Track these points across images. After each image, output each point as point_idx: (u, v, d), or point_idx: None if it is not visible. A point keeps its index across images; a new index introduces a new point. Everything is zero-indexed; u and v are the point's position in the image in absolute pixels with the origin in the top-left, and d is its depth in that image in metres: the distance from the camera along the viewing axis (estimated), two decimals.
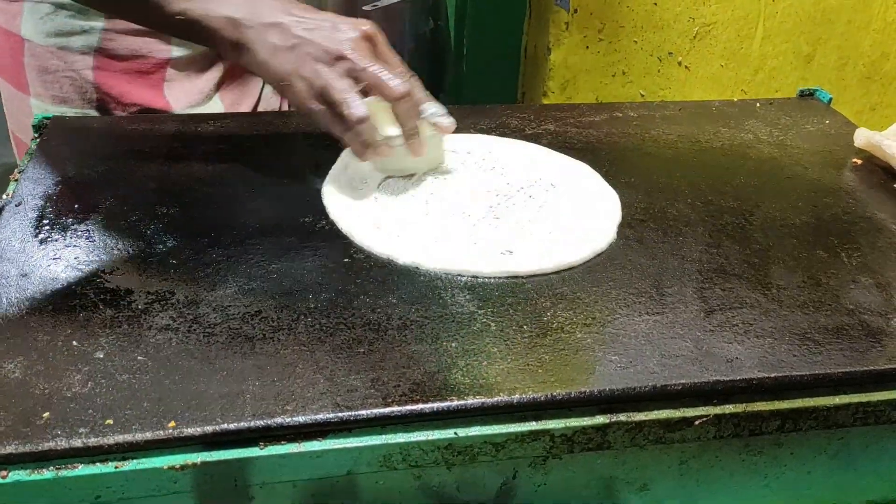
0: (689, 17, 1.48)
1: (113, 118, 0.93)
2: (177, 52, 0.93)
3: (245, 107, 1.02)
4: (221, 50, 0.75)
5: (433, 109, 0.77)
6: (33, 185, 0.77)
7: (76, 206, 0.74)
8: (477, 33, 1.58)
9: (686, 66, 1.53)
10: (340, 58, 0.71)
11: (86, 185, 0.78)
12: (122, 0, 0.80)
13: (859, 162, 0.93)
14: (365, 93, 0.73)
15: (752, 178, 0.88)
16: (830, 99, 1.08)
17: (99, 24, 0.90)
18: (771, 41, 1.54)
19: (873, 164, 0.92)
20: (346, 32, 0.72)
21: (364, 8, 1.45)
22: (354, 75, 0.72)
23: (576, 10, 1.41)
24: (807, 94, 1.10)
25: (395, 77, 0.72)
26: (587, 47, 1.45)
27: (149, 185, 0.79)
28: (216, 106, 0.99)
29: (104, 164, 0.81)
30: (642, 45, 1.48)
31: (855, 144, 0.95)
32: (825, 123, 1.02)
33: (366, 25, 0.74)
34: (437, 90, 1.72)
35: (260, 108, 1.04)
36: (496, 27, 1.56)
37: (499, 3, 1.53)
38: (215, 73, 0.97)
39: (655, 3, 1.45)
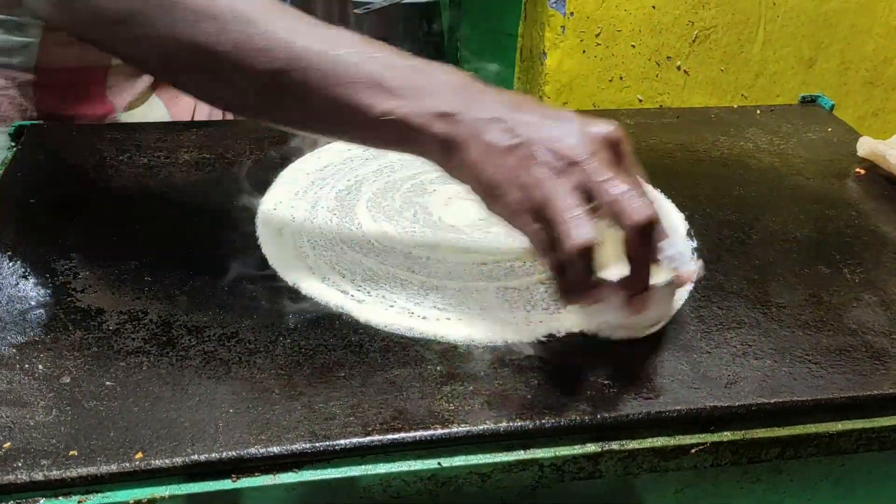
0: (689, 21, 1.45)
1: (93, 126, 0.90)
2: (117, 59, 0.91)
3: (184, 104, 1.00)
4: (427, 151, 0.59)
5: (675, 250, 0.57)
6: (4, 197, 0.74)
7: (49, 219, 0.72)
8: (471, 37, 1.56)
9: (685, 71, 1.50)
10: (573, 164, 0.54)
11: (60, 197, 0.75)
12: (314, 109, 0.60)
13: (862, 172, 0.90)
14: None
15: (751, 189, 0.86)
16: (832, 106, 1.06)
17: (37, 38, 0.86)
18: (772, 45, 1.51)
19: (877, 175, 0.89)
20: (584, 133, 0.55)
21: (355, 11, 1.42)
22: (588, 189, 0.54)
23: (572, 14, 1.38)
24: (808, 101, 1.07)
25: (641, 199, 0.54)
26: (583, 51, 1.42)
27: (126, 196, 0.76)
28: (157, 106, 0.97)
29: (81, 174, 0.79)
30: (640, 49, 1.46)
31: (858, 154, 0.92)
32: (827, 131, 0.99)
33: (611, 127, 0.57)
34: None
35: (198, 108, 1.02)
36: (490, 30, 1.54)
37: (493, 5, 1.51)
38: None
39: (654, 7, 1.42)
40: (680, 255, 0.57)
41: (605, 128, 0.56)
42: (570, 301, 0.57)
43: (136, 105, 0.97)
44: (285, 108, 0.61)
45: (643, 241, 0.54)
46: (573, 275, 0.54)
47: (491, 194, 0.57)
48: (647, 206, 0.54)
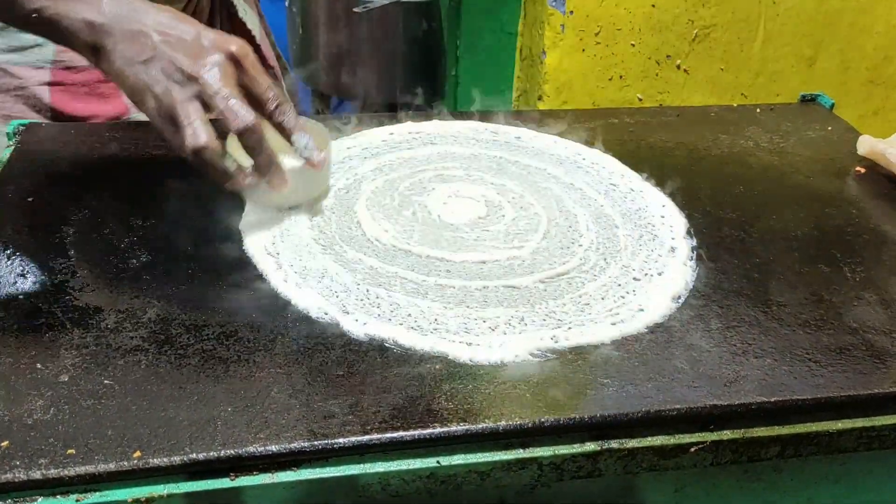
0: (689, 20, 1.45)
1: (91, 125, 0.90)
2: None
3: None
4: (77, 52, 0.69)
5: (302, 142, 0.69)
6: (3, 195, 0.74)
7: (47, 217, 0.72)
8: (471, 35, 1.55)
9: (685, 70, 1.50)
10: (192, 78, 0.64)
11: (59, 196, 0.75)
12: None
13: (862, 170, 0.90)
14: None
15: (751, 187, 0.86)
16: (833, 104, 1.05)
17: None
18: (772, 44, 1.51)
19: (877, 173, 0.89)
20: (208, 50, 0.66)
21: (355, 10, 1.42)
22: (205, 100, 0.65)
23: (571, 12, 1.38)
24: (808, 100, 1.07)
25: (242, 108, 0.65)
26: (583, 50, 1.42)
27: (124, 195, 0.76)
28: None
29: (79, 173, 0.79)
30: (640, 47, 1.45)
31: (858, 152, 0.92)
32: (827, 130, 0.99)
33: (234, 45, 0.67)
34: (431, 94, 1.70)
35: None
36: (490, 29, 1.53)
37: (493, 4, 1.51)
38: None
39: (654, 5, 1.42)
40: (308, 144, 0.70)
41: (228, 45, 0.66)
42: (227, 187, 0.67)
43: None
44: None
45: (251, 140, 0.65)
46: (203, 167, 0.65)
47: (134, 100, 0.67)
48: (247, 114, 0.65)
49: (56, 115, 0.90)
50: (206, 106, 0.65)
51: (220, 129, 0.65)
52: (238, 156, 0.67)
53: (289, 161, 0.70)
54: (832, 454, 0.60)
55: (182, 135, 0.64)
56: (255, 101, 0.67)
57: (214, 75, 0.65)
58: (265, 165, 0.68)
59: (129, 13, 0.66)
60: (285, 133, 0.69)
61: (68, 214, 0.72)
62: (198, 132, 0.64)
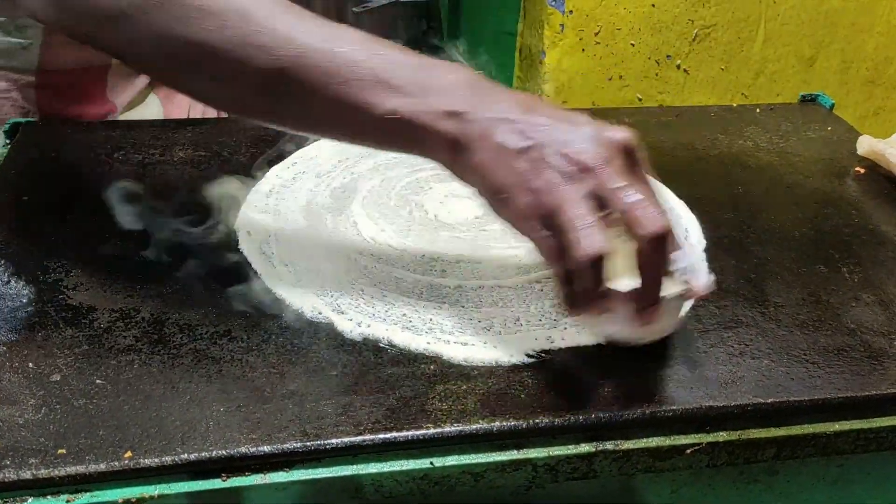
0: (689, 19, 1.45)
1: (87, 124, 0.90)
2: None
3: (179, 102, 1.00)
4: (434, 152, 0.57)
5: (688, 261, 0.56)
6: None
7: (42, 216, 0.71)
8: (470, 35, 1.55)
9: (685, 70, 1.49)
10: (586, 170, 0.52)
11: (54, 195, 0.75)
12: (316, 109, 0.58)
13: (862, 171, 0.90)
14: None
15: (750, 187, 0.85)
16: (833, 104, 1.05)
17: (37, 40, 0.86)
18: (772, 44, 1.51)
19: (876, 174, 0.89)
20: (599, 138, 0.53)
21: (354, 10, 1.42)
22: (601, 197, 0.52)
23: (571, 12, 1.38)
24: (808, 100, 1.07)
25: (655, 208, 0.52)
26: (583, 50, 1.42)
27: (120, 194, 0.75)
28: (154, 104, 0.97)
29: (73, 172, 0.79)
30: (640, 47, 1.45)
31: (858, 152, 0.91)
32: (827, 130, 0.99)
33: (627, 133, 0.55)
34: None
35: (193, 106, 1.02)
36: (489, 29, 1.53)
37: (492, 4, 1.50)
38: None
39: (653, 5, 1.42)
40: (692, 267, 0.56)
41: (620, 133, 0.54)
42: (576, 311, 0.55)
43: (136, 104, 0.96)
44: (285, 107, 0.59)
45: (656, 253, 0.52)
46: (581, 285, 0.52)
47: (499, 198, 0.54)
48: (661, 217, 0.52)
49: (43, 117, 0.90)
50: (601, 206, 0.52)
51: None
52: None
53: (666, 287, 0.55)
54: (829, 456, 0.59)
55: (569, 239, 0.51)
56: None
57: (613, 168, 0.53)
58: (655, 291, 0.54)
59: (487, 100, 0.55)
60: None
61: (63, 214, 0.72)
62: (596, 235, 0.51)
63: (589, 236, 0.51)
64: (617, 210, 0.52)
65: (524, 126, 0.54)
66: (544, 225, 0.53)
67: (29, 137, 0.83)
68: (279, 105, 0.59)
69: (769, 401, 0.57)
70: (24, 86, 0.88)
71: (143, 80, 0.96)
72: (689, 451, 0.55)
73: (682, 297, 0.57)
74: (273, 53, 0.56)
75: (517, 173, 0.53)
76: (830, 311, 0.67)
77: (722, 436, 0.56)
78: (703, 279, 0.57)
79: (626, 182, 0.52)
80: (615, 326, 0.57)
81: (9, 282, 0.63)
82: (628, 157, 0.54)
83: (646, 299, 0.54)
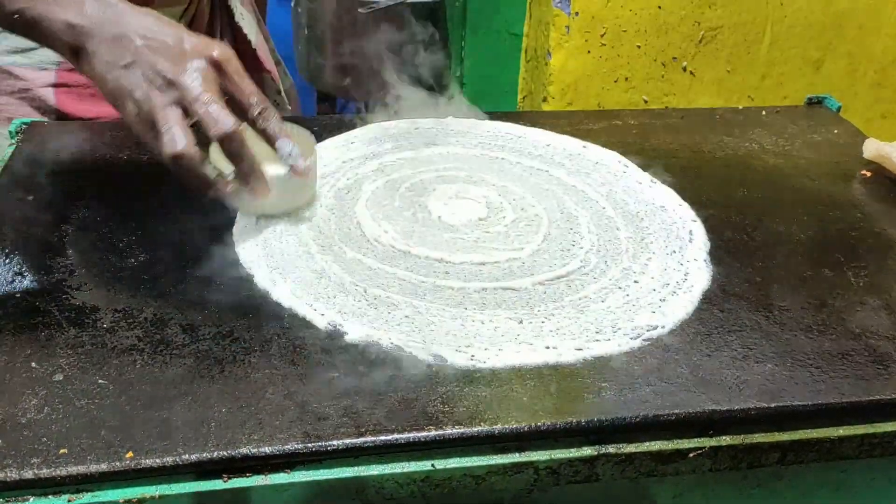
0: (695, 21, 1.44)
1: (93, 124, 0.90)
2: None
3: None
4: (59, 53, 0.68)
5: (286, 149, 0.68)
6: (3, 194, 0.74)
7: (47, 216, 0.72)
8: (476, 37, 1.55)
9: (691, 72, 1.49)
10: (172, 83, 0.63)
11: (59, 195, 0.75)
12: None
13: (868, 174, 0.89)
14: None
15: (755, 190, 0.85)
16: (839, 107, 1.04)
17: None
18: (779, 46, 1.50)
19: (883, 177, 0.88)
20: (189, 55, 0.65)
21: (360, 11, 1.42)
22: (185, 105, 0.64)
23: (577, 13, 1.37)
24: (815, 102, 1.06)
25: (222, 114, 0.64)
26: (588, 51, 1.41)
27: (124, 195, 0.76)
28: None
29: (79, 172, 0.79)
30: (646, 49, 1.44)
31: (864, 156, 0.91)
32: (833, 133, 0.98)
33: (217, 49, 0.66)
34: (436, 95, 1.69)
35: None
36: (495, 30, 1.53)
37: (498, 5, 1.50)
38: None
39: (660, 7, 1.41)
40: (293, 151, 0.68)
41: (210, 50, 0.65)
42: (193, 191, 0.65)
43: None
44: None
45: (232, 147, 0.64)
46: (182, 174, 0.64)
47: (114, 104, 0.66)
48: (227, 120, 0.64)
49: (61, 117, 0.90)
50: (187, 112, 0.64)
51: (203, 136, 0.64)
52: (221, 164, 0.66)
53: (272, 168, 0.69)
54: (833, 461, 0.59)
55: (160, 141, 0.63)
56: (238, 106, 0.66)
57: (195, 80, 0.64)
58: (247, 173, 0.66)
59: (111, 16, 0.66)
60: (269, 139, 0.68)
61: (67, 213, 0.72)
62: (176, 138, 0.62)
63: (171, 139, 0.63)
64: (195, 116, 0.64)
65: (133, 44, 0.65)
66: (150, 127, 0.64)
67: (34, 137, 0.83)
68: None
69: (773, 405, 0.57)
70: (42, 84, 0.88)
71: None
72: (691, 454, 0.55)
73: (289, 175, 0.69)
74: None
75: (121, 86, 0.65)
76: (835, 315, 0.66)
77: (725, 440, 0.56)
78: (300, 161, 0.69)
79: (200, 91, 0.64)
80: (243, 201, 0.69)
81: (12, 281, 0.63)
82: (219, 69, 0.66)
83: (246, 180, 0.67)
